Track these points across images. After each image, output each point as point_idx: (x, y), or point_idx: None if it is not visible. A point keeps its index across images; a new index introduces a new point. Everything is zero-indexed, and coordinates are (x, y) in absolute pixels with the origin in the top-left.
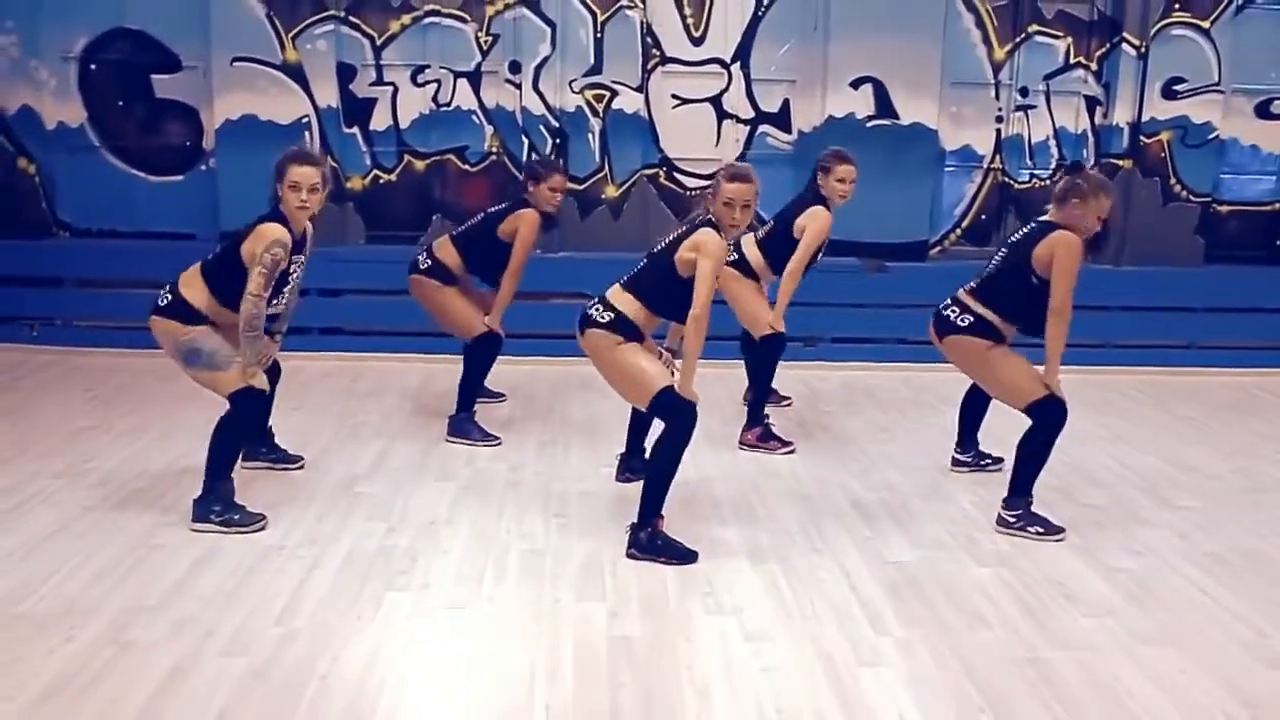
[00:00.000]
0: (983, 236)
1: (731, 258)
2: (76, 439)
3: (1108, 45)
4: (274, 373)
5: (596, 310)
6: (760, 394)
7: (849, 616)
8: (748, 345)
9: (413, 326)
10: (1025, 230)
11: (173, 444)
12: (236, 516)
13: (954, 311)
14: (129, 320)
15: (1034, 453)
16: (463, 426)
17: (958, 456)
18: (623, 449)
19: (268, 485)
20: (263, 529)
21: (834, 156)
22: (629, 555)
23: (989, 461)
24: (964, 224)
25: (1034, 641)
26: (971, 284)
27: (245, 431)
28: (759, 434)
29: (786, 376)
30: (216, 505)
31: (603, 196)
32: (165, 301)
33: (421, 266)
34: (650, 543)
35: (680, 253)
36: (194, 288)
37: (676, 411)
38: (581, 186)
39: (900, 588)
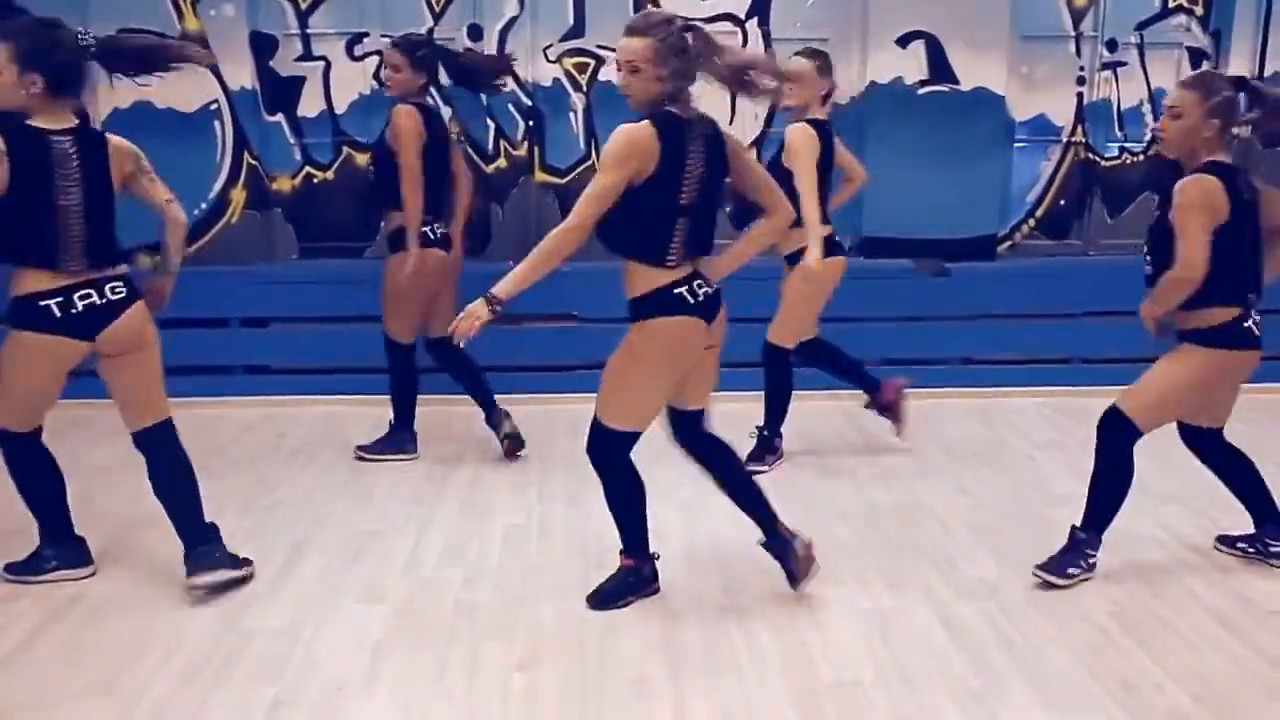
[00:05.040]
0: (1062, 227)
1: None
2: None
3: None
4: None
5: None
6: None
7: None
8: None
9: (362, 361)
10: None
11: (15, 545)
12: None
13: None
14: None
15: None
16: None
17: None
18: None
19: (125, 620)
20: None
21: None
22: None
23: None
24: (1039, 212)
25: None
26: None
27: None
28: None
29: (828, 409)
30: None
31: None
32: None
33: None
34: None
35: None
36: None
37: None
38: (563, 180)
39: None
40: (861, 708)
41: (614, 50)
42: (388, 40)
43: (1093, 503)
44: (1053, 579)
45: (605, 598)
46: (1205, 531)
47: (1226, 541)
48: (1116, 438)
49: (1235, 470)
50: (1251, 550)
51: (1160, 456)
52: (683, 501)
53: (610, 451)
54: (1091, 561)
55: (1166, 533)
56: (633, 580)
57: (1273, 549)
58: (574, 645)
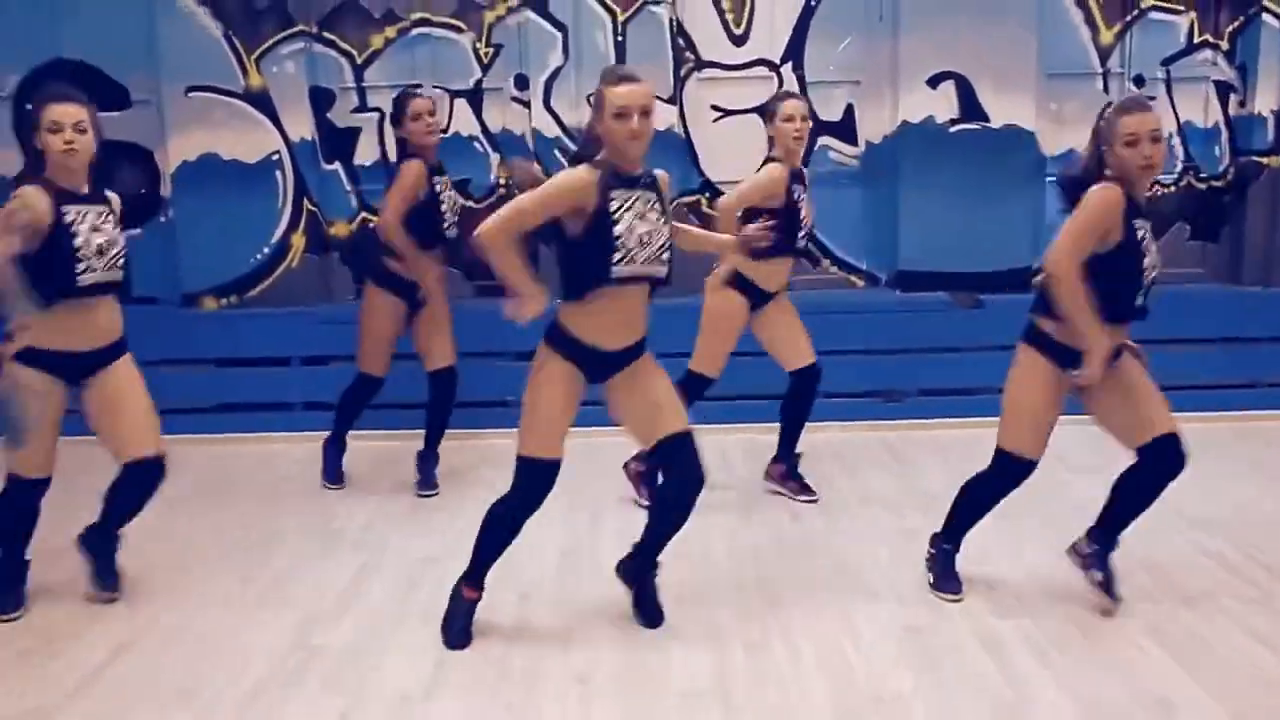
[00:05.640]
0: None
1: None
2: None
3: (1242, 18)
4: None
5: None
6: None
7: None
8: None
9: (416, 397)
10: None
11: None
12: None
13: None
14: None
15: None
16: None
17: None
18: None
19: (200, 639)
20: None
21: (777, 97)
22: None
23: None
24: None
25: None
26: None
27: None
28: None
29: (867, 439)
30: None
31: None
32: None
33: None
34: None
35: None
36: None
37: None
38: None
39: None
40: (901, 719)
41: (656, 97)
42: (440, 90)
43: (1121, 518)
44: (1114, 599)
45: None
46: (1242, 552)
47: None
48: (1176, 466)
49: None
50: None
51: (1198, 480)
52: (728, 523)
53: None
54: None
55: (1202, 554)
56: None
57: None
58: (628, 659)
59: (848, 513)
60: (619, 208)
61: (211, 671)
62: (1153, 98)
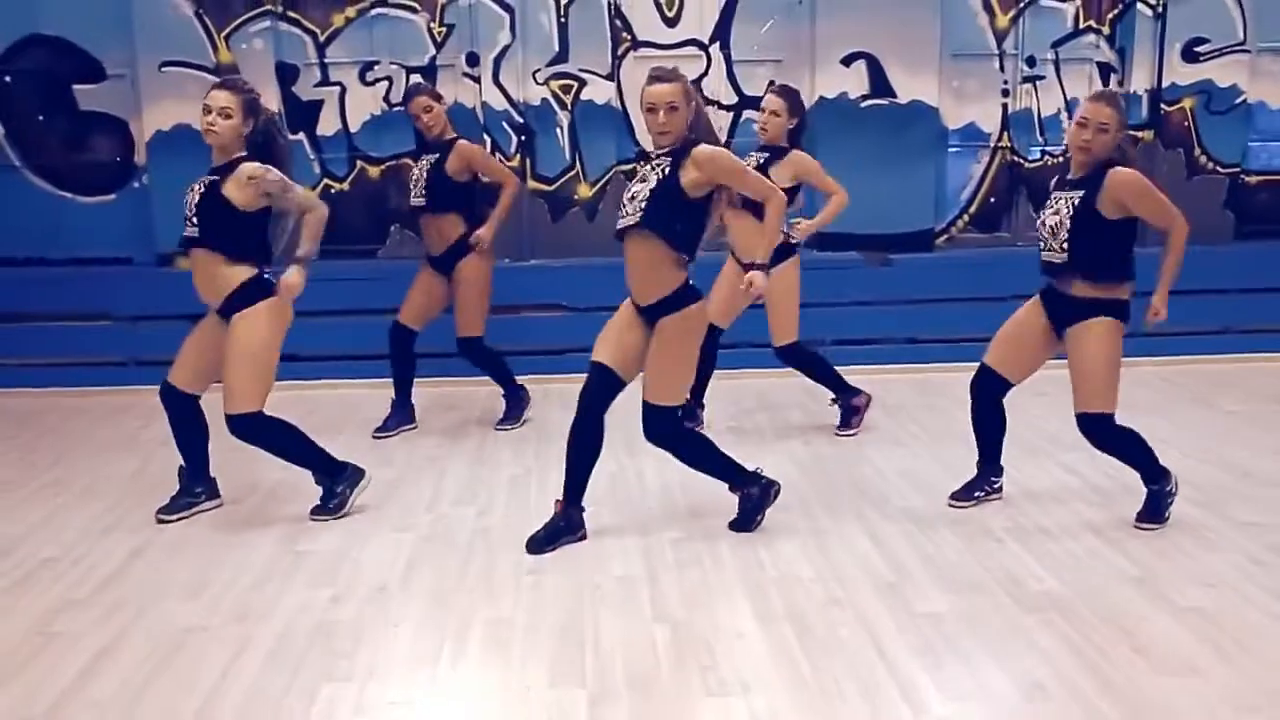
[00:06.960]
0: (992, 222)
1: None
2: None
3: (1120, 6)
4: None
5: None
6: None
7: (878, 691)
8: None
9: (375, 349)
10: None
11: (95, 499)
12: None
13: None
14: (62, 356)
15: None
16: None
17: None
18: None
19: (200, 548)
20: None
21: (767, 89)
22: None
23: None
24: (972, 209)
25: (1106, 713)
26: None
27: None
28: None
29: (786, 385)
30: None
31: (575, 197)
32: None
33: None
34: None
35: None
36: (228, 270)
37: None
38: (551, 187)
39: (936, 648)
40: (799, 593)
41: (594, 73)
42: (397, 66)
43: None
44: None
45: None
46: (1102, 473)
47: (960, 496)
48: (1105, 433)
49: (996, 419)
50: (981, 493)
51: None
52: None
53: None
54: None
55: (1068, 473)
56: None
57: (996, 485)
58: (573, 555)
59: (766, 443)
60: (631, 179)
61: (214, 573)
62: (1042, 77)
